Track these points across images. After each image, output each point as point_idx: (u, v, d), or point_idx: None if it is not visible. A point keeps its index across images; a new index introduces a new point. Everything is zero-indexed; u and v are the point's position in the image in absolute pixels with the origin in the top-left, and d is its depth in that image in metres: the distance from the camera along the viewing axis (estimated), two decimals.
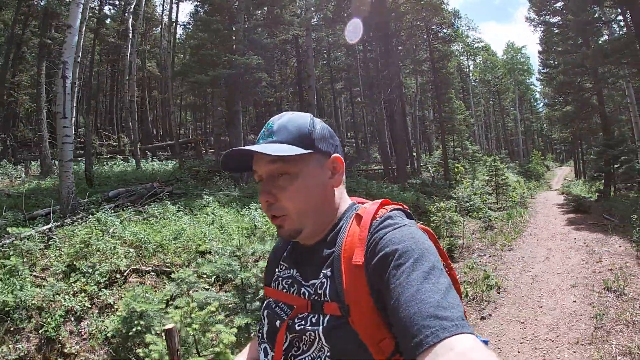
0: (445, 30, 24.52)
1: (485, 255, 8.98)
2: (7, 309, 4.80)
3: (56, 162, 17.29)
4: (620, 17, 18.58)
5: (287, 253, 1.17)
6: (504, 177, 18.10)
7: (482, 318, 5.66)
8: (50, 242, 6.65)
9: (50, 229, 7.30)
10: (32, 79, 21.15)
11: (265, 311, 1.11)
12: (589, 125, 23.25)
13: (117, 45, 27.94)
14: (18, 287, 5.09)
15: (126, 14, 23.97)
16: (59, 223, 7.72)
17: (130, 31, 22.59)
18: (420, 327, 0.70)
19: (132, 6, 24.59)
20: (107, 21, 29.07)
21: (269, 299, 1.13)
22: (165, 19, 30.37)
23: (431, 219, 10.83)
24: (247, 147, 1.00)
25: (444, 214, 10.87)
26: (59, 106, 9.33)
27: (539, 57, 32.30)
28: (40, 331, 4.80)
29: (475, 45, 45.77)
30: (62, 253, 6.25)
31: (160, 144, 27.45)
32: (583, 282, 6.63)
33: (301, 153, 1.01)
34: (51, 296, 5.21)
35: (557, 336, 4.90)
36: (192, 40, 23.77)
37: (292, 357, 0.96)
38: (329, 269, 0.98)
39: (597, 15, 18.77)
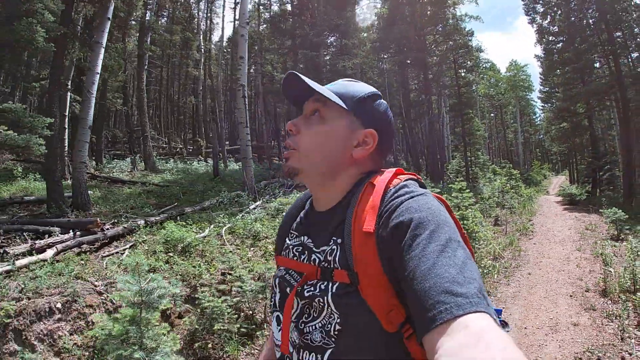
0: (469, 63, 31.46)
1: (517, 222, 15.84)
2: None
3: (153, 159, 20.67)
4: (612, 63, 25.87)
5: (298, 221, 1.22)
6: (516, 181, 25.13)
7: (530, 239, 12.62)
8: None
9: (265, 202, 11.10)
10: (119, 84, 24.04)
11: (277, 279, 1.16)
12: (581, 141, 30.06)
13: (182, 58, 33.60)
14: None
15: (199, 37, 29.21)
16: (259, 202, 11.17)
17: (202, 50, 28.96)
18: (434, 302, 0.72)
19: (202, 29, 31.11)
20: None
21: (280, 267, 1.18)
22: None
23: (476, 205, 17.74)
24: (303, 77, 1.08)
25: (484, 202, 17.75)
26: (242, 118, 12.70)
27: (540, 77, 39.50)
28: None
29: (483, 65, 52.17)
30: None
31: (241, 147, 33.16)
32: (574, 228, 13.77)
33: (340, 104, 1.08)
34: None
35: (564, 240, 11.96)
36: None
37: (303, 324, 1.01)
38: (339, 236, 1.02)
39: (589, 61, 26.03)
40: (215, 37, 47.62)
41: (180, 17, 32.10)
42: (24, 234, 7.94)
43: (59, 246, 7.27)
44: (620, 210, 11.76)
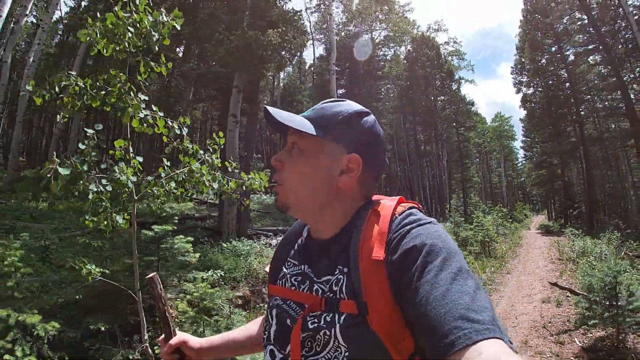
0: (468, 123, 40.53)
1: (511, 241, 24.19)
2: None
3: None
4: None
5: (296, 250, 1.19)
6: (504, 217, 33.66)
7: (520, 247, 21.08)
8: None
9: None
10: None
11: (274, 310, 1.11)
12: (556, 186, 38.60)
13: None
14: None
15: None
16: None
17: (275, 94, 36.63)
18: (451, 327, 0.73)
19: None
20: None
21: (275, 297, 1.14)
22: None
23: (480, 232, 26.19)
24: (272, 110, 1.05)
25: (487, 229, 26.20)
26: None
27: (522, 128, 48.32)
28: None
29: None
30: None
31: None
32: (547, 242, 22.41)
33: (312, 134, 1.03)
34: None
35: (541, 247, 20.58)
36: None
37: (304, 358, 0.97)
38: (346, 265, 0.98)
39: (562, 127, 35.02)
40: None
41: None
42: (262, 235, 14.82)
43: None
44: (574, 229, 20.30)
